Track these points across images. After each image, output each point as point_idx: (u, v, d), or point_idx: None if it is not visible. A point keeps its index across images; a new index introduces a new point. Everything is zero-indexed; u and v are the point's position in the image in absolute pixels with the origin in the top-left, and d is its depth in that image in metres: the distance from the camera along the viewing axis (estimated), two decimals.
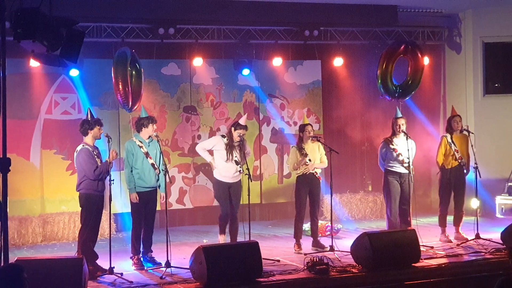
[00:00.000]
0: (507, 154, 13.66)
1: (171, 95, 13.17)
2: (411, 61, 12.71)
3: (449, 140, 10.99)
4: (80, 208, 9.18)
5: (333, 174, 10.38)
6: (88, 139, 9.16)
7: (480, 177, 10.80)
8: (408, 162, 10.62)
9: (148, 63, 12.69)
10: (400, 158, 10.64)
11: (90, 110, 9.41)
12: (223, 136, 10.28)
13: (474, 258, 9.67)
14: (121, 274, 8.82)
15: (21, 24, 7.13)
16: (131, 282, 8.54)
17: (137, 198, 9.44)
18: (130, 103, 11.19)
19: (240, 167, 10.01)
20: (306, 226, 11.00)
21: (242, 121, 10.21)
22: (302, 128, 10.59)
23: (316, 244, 10.50)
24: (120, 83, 11.05)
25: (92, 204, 9.07)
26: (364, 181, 14.62)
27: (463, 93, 14.40)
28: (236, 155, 10.04)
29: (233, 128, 10.11)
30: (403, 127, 10.70)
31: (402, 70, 12.85)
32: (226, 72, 13.47)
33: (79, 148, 9.13)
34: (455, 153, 10.93)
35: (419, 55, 12.64)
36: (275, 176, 13.91)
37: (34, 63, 11.18)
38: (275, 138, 13.92)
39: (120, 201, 11.99)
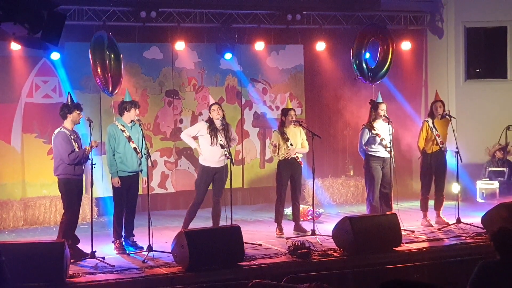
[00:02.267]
0: (488, 139, 13.73)
1: (153, 79, 13.10)
2: (381, 45, 12.80)
3: (430, 125, 11.01)
4: (60, 194, 9.16)
5: (315, 159, 10.38)
6: (67, 123, 9.12)
7: (461, 161, 10.88)
8: (390, 147, 10.65)
9: (130, 46, 12.62)
10: (384, 142, 10.65)
11: (70, 94, 9.36)
12: (205, 121, 10.26)
13: (454, 242, 9.75)
14: (103, 258, 8.81)
15: (1, 6, 7.04)
16: (113, 266, 8.53)
17: (119, 182, 9.41)
18: (111, 87, 11.14)
19: (225, 150, 9.96)
20: (288, 210, 11.03)
21: (211, 101, 10.34)
22: (286, 112, 10.58)
23: (298, 228, 10.53)
24: (98, 67, 10.99)
25: (72, 188, 9.05)
26: (345, 166, 14.66)
27: (444, 78, 14.45)
28: (221, 138, 10.00)
29: (209, 112, 10.13)
30: (384, 112, 10.71)
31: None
32: (208, 56, 13.41)
33: (56, 131, 9.12)
34: (436, 137, 10.96)
35: (388, 40, 12.70)
36: (257, 160, 13.91)
37: (15, 46, 11.07)
38: (257, 122, 13.91)
39: (101, 185, 11.92)
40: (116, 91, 11.28)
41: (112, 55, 11.20)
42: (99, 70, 11.02)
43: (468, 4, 14.16)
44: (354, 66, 12.70)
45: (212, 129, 10.01)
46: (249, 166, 13.82)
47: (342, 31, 13.94)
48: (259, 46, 13.40)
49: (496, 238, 6.07)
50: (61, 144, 8.96)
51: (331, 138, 14.32)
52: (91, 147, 8.92)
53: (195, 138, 10.25)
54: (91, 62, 11.05)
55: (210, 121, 10.09)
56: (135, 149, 9.48)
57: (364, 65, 12.66)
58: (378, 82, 13.07)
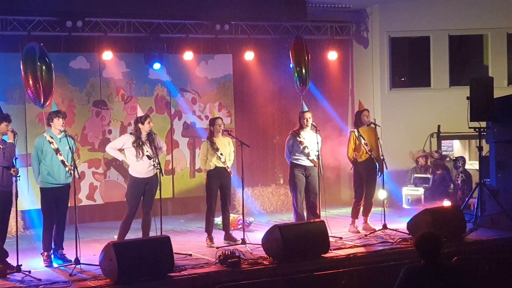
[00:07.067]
0: (413, 146, 14.05)
1: (80, 89, 12.94)
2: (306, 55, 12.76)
3: (357, 134, 11.16)
4: None
5: (245, 168, 10.43)
6: None
7: (386, 168, 11.08)
8: (318, 155, 10.77)
9: (56, 56, 12.35)
10: (306, 151, 10.76)
11: None
12: (131, 133, 10.10)
13: (381, 248, 9.88)
14: (29, 272, 8.63)
15: None
16: (40, 279, 8.35)
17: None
18: (42, 99, 10.87)
19: (153, 161, 9.87)
20: (218, 220, 11.03)
21: (140, 113, 10.04)
22: (213, 122, 10.59)
23: (228, 238, 10.55)
24: (30, 79, 10.70)
25: None
26: (275, 174, 14.76)
27: (370, 86, 14.74)
28: (147, 149, 9.91)
29: (140, 124, 9.92)
30: (310, 121, 10.84)
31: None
32: (137, 66, 13.34)
33: None
34: (364, 146, 11.11)
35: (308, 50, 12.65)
36: (187, 170, 13.89)
37: None
38: (187, 132, 13.90)
39: (27, 197, 11.70)
40: (47, 103, 11.04)
41: (44, 67, 10.89)
42: (30, 82, 10.71)
43: (393, 14, 14.49)
44: (295, 75, 12.50)
45: (138, 143, 9.88)
46: (179, 176, 13.78)
47: (270, 41, 14.09)
48: (188, 55, 13.40)
49: (419, 243, 6.22)
50: None
51: (261, 147, 14.41)
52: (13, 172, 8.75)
53: (121, 150, 10.13)
54: (23, 73, 10.75)
55: (136, 134, 9.94)
56: (62, 161, 9.32)
57: (304, 74, 12.46)
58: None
